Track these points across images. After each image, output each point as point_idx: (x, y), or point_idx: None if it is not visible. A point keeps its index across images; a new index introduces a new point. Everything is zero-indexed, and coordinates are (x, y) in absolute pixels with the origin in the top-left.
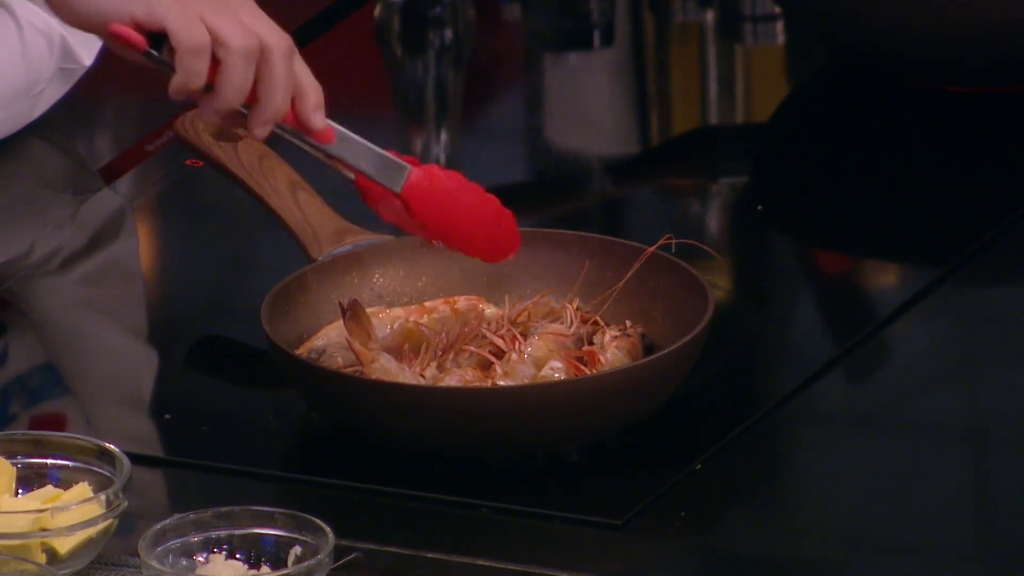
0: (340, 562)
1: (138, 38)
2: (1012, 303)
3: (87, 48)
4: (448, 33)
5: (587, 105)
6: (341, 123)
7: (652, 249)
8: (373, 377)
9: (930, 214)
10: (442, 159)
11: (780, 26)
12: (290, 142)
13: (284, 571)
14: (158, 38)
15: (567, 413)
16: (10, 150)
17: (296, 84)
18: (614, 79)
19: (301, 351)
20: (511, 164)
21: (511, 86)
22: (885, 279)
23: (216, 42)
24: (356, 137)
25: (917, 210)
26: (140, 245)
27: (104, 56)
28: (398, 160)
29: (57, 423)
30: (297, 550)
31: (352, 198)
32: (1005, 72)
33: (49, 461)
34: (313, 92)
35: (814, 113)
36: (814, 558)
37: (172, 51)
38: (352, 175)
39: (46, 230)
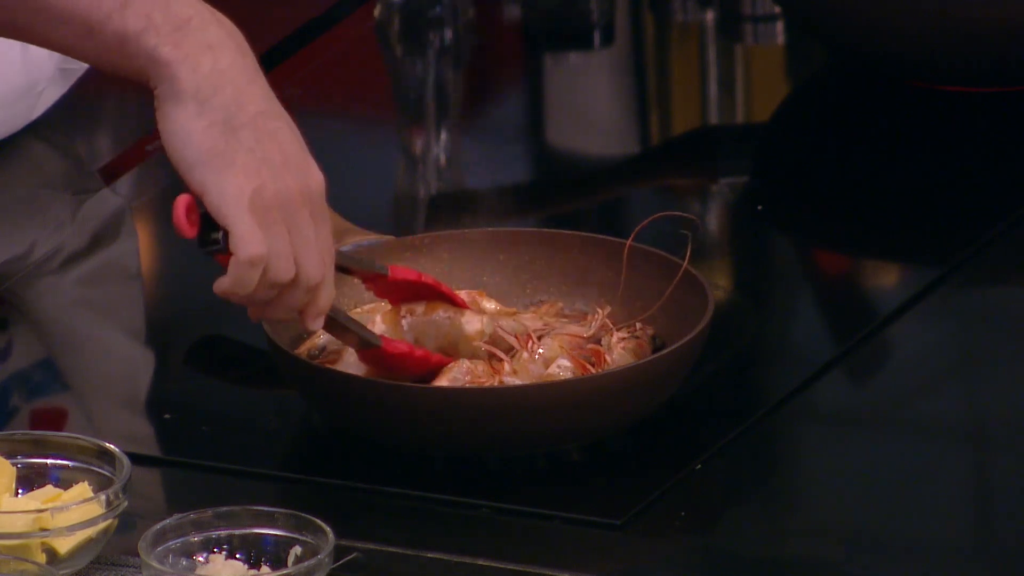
0: (340, 562)
1: (186, 229)
2: (1012, 303)
3: None
4: (448, 33)
5: (587, 105)
6: (341, 124)
7: (680, 256)
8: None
9: (930, 214)
10: (442, 159)
11: (780, 26)
12: None
13: (284, 571)
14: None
15: (567, 413)
16: (10, 150)
17: (312, 295)
18: (614, 79)
19: (301, 351)
20: (511, 164)
21: (511, 86)
22: (885, 279)
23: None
24: (340, 315)
25: (917, 210)
26: (140, 245)
27: None
28: (370, 338)
29: (58, 418)
30: (297, 550)
31: (352, 198)
32: (1005, 72)
33: (49, 461)
34: (323, 304)
35: (814, 113)
36: (814, 558)
37: (225, 240)
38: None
39: (46, 230)
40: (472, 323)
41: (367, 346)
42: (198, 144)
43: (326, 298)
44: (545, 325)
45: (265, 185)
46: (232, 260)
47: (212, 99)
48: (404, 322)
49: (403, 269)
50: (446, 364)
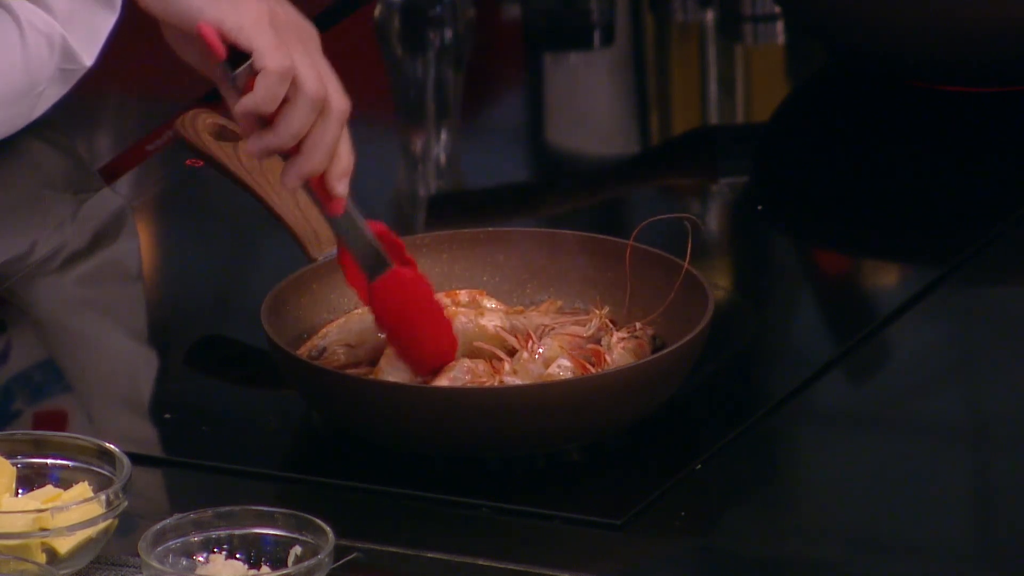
0: (340, 562)
1: (220, 47)
2: (1012, 303)
3: (87, 48)
4: (448, 33)
5: (587, 105)
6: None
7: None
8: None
9: (930, 214)
10: (442, 159)
11: (780, 26)
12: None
13: (284, 571)
14: (234, 58)
15: (566, 413)
16: (10, 150)
17: (339, 140)
18: (614, 79)
19: (301, 351)
20: (511, 164)
21: (511, 86)
22: (885, 279)
23: (294, 80)
24: (359, 217)
25: (917, 210)
26: (140, 245)
27: (104, 56)
28: (384, 256)
29: (58, 418)
30: (297, 550)
31: (352, 198)
32: (1005, 72)
33: (49, 461)
34: (347, 159)
35: (814, 113)
36: (814, 558)
37: (248, 75)
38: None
39: (46, 230)
40: (492, 320)
41: (378, 264)
42: None
43: (349, 153)
44: (551, 322)
45: (276, 11)
46: (260, 75)
47: None
48: None
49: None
50: (448, 321)
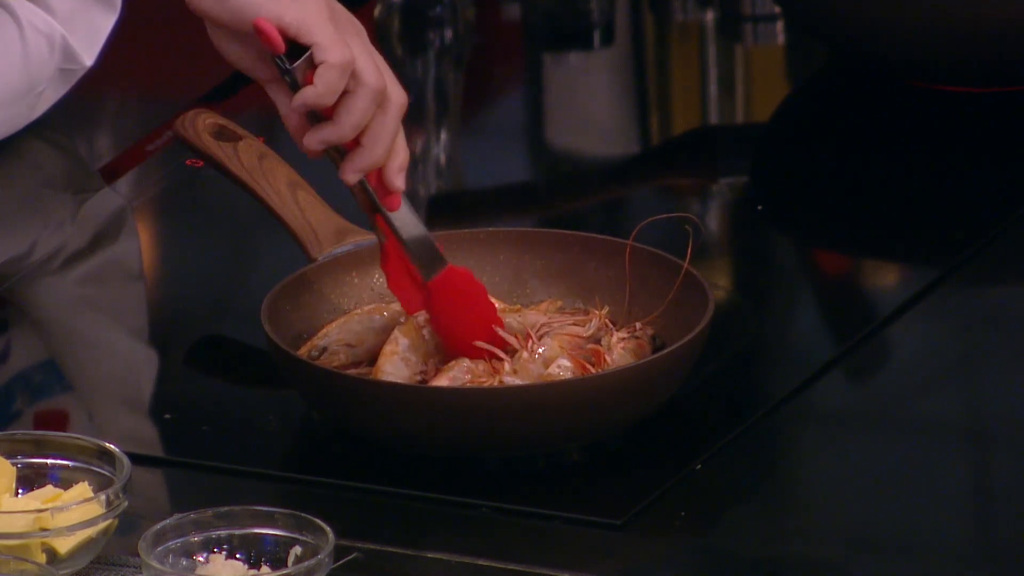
0: (340, 562)
1: (279, 40)
2: (1012, 303)
3: (88, 49)
4: (448, 33)
5: (587, 105)
6: None
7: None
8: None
9: (930, 214)
10: (442, 159)
11: (780, 26)
12: (354, 192)
13: (284, 571)
14: (293, 52)
15: (567, 413)
16: (10, 150)
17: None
18: (614, 79)
19: (301, 351)
20: (511, 164)
21: (511, 86)
22: (885, 279)
23: (354, 72)
24: (414, 214)
25: (917, 210)
26: (140, 245)
27: (104, 56)
28: (441, 253)
29: (59, 418)
30: (297, 550)
31: (352, 198)
32: (1005, 72)
33: (49, 461)
34: (404, 153)
35: (814, 113)
36: (814, 558)
37: (306, 68)
38: (384, 238)
39: (46, 230)
40: None
41: (433, 259)
42: None
43: (404, 148)
44: (549, 320)
45: (334, 6)
46: (320, 68)
47: None
48: (425, 331)
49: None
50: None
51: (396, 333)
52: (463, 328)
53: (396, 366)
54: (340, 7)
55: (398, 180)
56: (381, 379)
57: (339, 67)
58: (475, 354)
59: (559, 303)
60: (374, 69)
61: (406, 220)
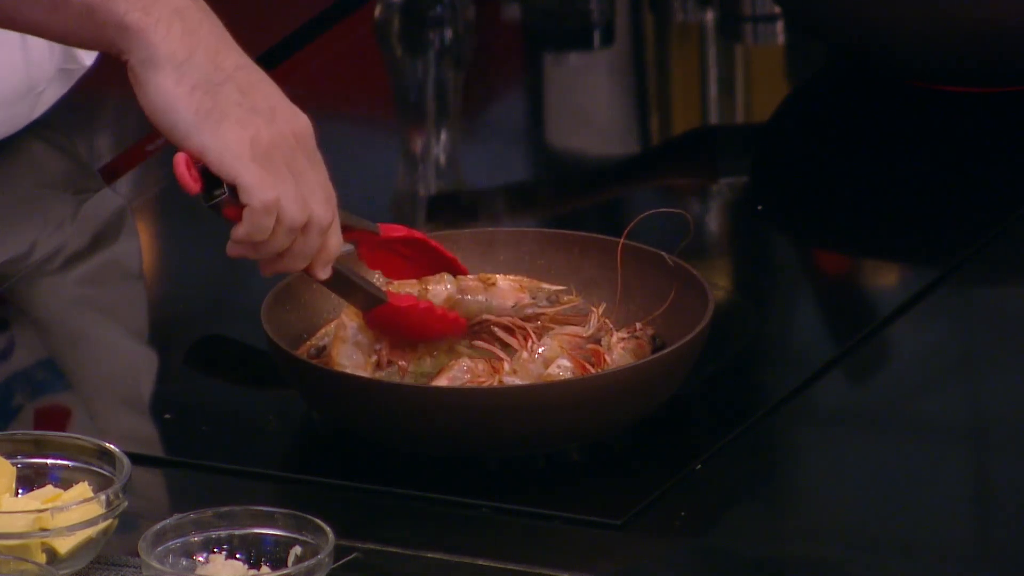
0: (340, 562)
1: (190, 184)
2: (1012, 303)
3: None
4: (448, 33)
5: (587, 105)
6: (341, 124)
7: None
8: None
9: (930, 214)
10: (442, 159)
11: (780, 26)
12: None
13: (284, 571)
14: (210, 184)
15: (567, 413)
16: (10, 150)
17: (322, 240)
18: (614, 79)
19: (301, 351)
20: (511, 164)
21: (511, 86)
22: (885, 279)
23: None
24: (344, 271)
25: (917, 210)
26: (140, 245)
27: (104, 56)
28: (373, 293)
29: (59, 418)
30: (297, 550)
31: (352, 198)
32: (1005, 72)
33: (49, 461)
34: (333, 250)
35: (814, 113)
36: (814, 558)
37: (227, 201)
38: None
39: (47, 230)
40: (438, 293)
41: (373, 303)
42: (185, 109)
43: (335, 243)
44: (518, 295)
45: (260, 133)
46: (246, 210)
47: (189, 61)
48: None
49: (393, 226)
50: (452, 317)
51: (342, 319)
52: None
53: (349, 354)
54: (275, 114)
55: (322, 273)
56: (337, 370)
57: (263, 210)
58: (430, 335)
59: (532, 282)
60: (296, 207)
61: (334, 282)
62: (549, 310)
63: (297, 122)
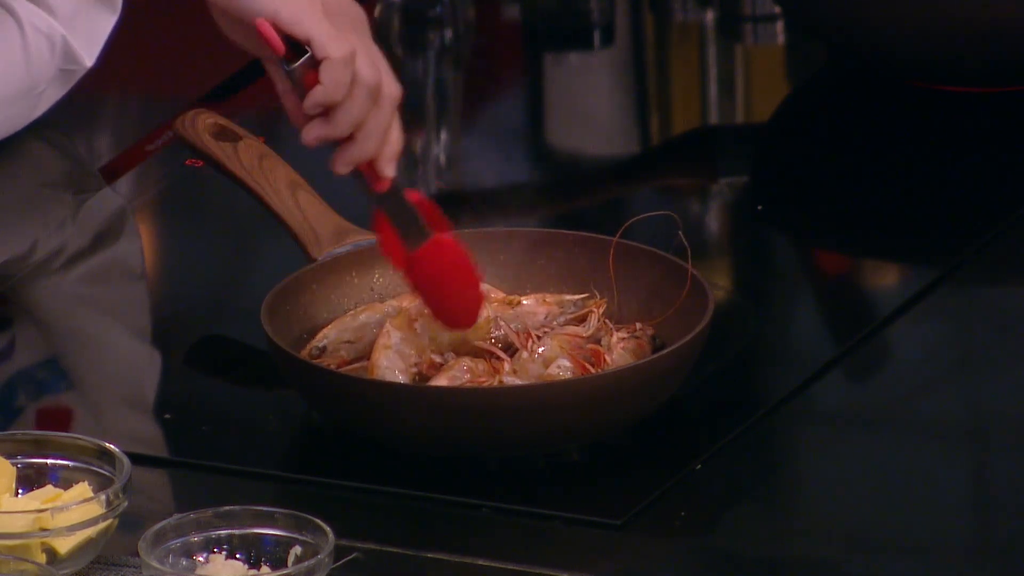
0: (340, 562)
1: (279, 43)
2: (1012, 303)
3: (88, 49)
4: (448, 33)
5: (587, 105)
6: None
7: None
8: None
9: (930, 214)
10: (442, 159)
11: (780, 26)
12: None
13: (284, 571)
14: (291, 50)
15: (566, 413)
16: (10, 150)
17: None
18: (614, 79)
19: (302, 352)
20: (511, 164)
21: (511, 86)
22: (885, 279)
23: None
24: (401, 191)
25: (917, 210)
26: (141, 245)
27: (104, 56)
28: (423, 225)
29: (60, 417)
30: (297, 550)
31: (352, 198)
32: (1005, 72)
33: (49, 461)
34: (396, 142)
35: (814, 113)
36: (814, 558)
37: (306, 68)
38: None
39: (47, 230)
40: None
41: (418, 235)
42: None
43: (399, 135)
44: (548, 311)
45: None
46: (324, 64)
47: None
48: (417, 325)
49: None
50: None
51: (388, 327)
52: (440, 294)
53: (391, 359)
54: None
55: (388, 169)
56: (377, 374)
57: (341, 60)
58: (451, 316)
59: (557, 296)
60: (369, 64)
61: (392, 199)
62: (553, 313)
63: (355, 6)
